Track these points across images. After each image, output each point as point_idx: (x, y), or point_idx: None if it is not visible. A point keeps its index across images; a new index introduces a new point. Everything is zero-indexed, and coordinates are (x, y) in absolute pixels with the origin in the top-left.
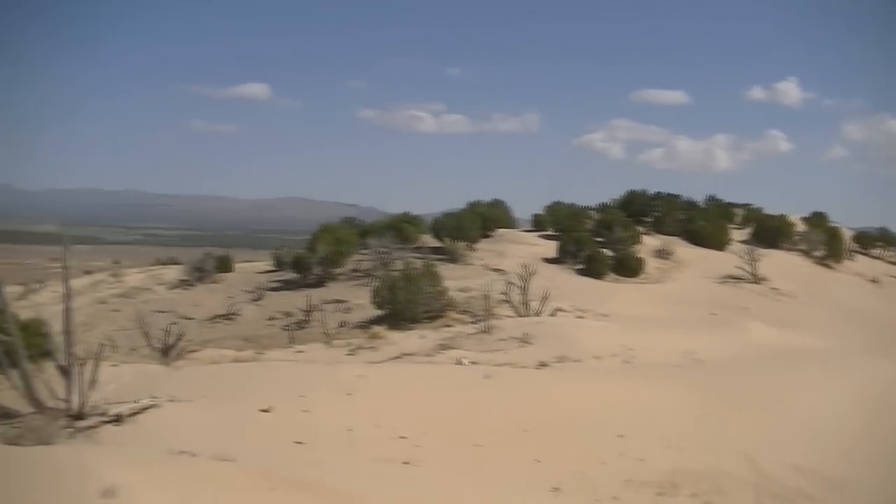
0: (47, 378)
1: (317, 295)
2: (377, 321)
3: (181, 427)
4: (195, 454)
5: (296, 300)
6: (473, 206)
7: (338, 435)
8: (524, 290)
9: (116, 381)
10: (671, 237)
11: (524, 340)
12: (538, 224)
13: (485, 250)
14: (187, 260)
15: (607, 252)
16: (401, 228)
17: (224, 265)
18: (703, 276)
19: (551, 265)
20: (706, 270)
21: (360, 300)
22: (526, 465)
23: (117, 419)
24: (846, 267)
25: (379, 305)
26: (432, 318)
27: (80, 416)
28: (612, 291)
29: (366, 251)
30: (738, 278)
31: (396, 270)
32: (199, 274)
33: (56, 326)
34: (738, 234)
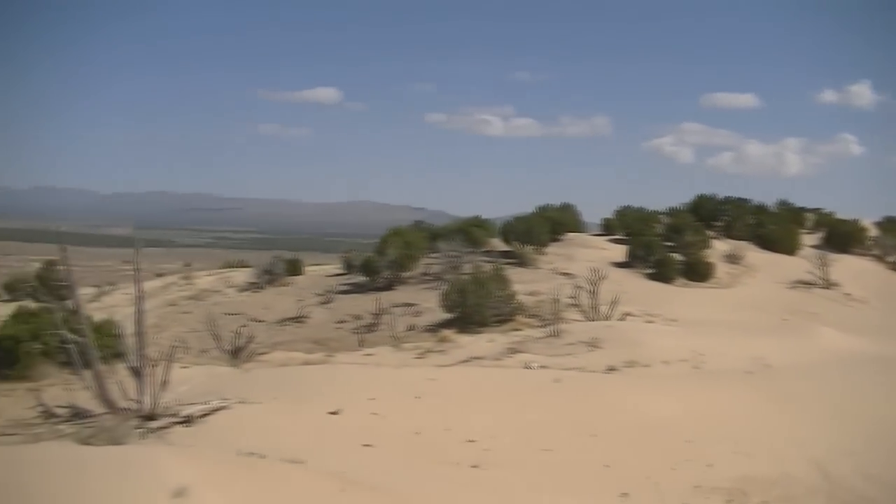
0: (119, 379)
1: (386, 298)
2: (446, 325)
3: (251, 428)
4: (264, 456)
5: (365, 303)
6: (543, 210)
7: (406, 438)
8: (593, 294)
9: (187, 382)
10: (741, 242)
11: (593, 345)
12: (607, 228)
13: (554, 254)
14: (257, 263)
15: (677, 256)
16: (470, 232)
17: (294, 268)
18: (774, 281)
19: (620, 269)
20: (776, 275)
21: (429, 304)
22: (594, 469)
23: (188, 420)
24: None
25: (448, 309)
26: (501, 322)
27: (151, 417)
28: (681, 296)
29: (435, 255)
30: (808, 283)
31: (465, 274)
32: (269, 277)
33: (128, 328)
34: (809, 239)
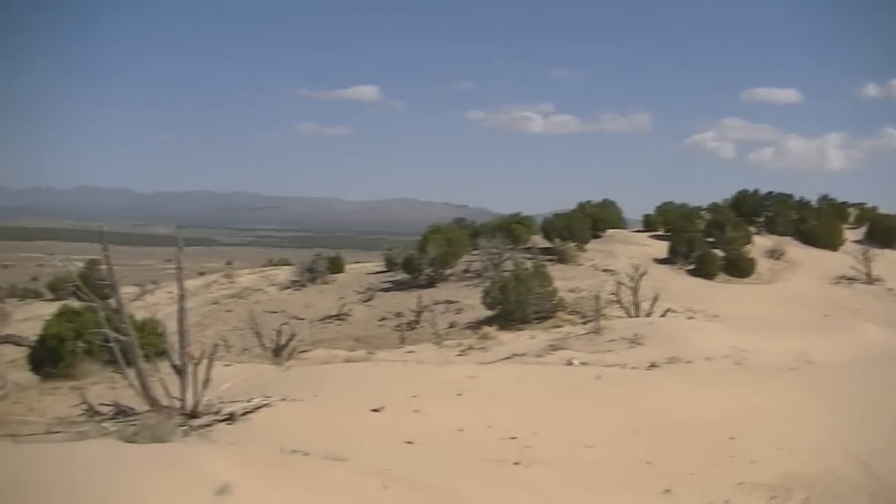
0: (162, 377)
1: (427, 295)
2: (487, 322)
3: (293, 426)
4: (307, 453)
5: (406, 301)
6: (583, 207)
7: (448, 435)
8: (634, 290)
9: (229, 380)
10: (783, 237)
11: (635, 341)
12: (649, 224)
13: (595, 251)
14: (298, 261)
15: (718, 252)
16: (511, 229)
17: (335, 266)
18: (816, 277)
19: (662, 266)
20: (819, 271)
21: (471, 301)
22: (637, 466)
23: (230, 418)
24: None
25: (489, 306)
26: (542, 319)
27: (194, 415)
28: (723, 292)
29: (476, 252)
30: (851, 279)
31: (507, 271)
32: (311, 275)
33: (170, 326)
34: (852, 234)
